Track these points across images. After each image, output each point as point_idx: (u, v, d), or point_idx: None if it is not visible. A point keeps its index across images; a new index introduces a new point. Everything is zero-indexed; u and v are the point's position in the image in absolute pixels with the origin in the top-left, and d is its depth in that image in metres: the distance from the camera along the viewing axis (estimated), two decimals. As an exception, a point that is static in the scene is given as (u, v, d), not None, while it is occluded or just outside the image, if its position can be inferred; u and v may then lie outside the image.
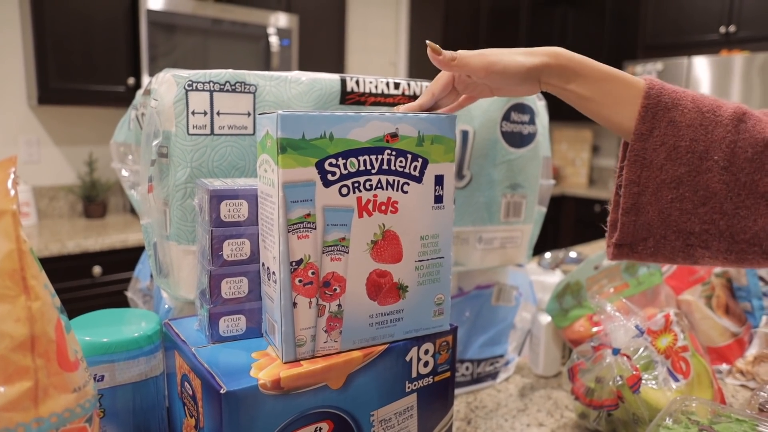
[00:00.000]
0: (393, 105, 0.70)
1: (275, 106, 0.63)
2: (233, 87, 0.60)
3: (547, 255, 1.20)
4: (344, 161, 0.47)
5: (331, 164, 0.47)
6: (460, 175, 0.76)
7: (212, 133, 0.60)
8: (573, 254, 1.21)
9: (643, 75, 0.52)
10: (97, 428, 0.42)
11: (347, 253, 0.48)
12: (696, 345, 0.78)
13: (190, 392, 0.50)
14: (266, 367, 0.47)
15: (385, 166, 0.49)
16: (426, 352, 0.55)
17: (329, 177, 0.47)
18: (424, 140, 0.50)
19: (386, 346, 0.52)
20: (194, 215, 0.60)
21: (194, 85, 0.58)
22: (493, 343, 0.88)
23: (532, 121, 0.80)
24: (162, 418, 0.60)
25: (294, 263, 0.47)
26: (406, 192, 0.50)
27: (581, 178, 4.24)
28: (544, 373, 0.91)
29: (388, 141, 0.49)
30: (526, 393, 0.87)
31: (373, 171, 0.48)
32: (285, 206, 0.45)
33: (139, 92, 0.70)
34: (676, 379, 0.72)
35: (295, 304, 0.47)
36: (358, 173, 0.48)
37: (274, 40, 2.54)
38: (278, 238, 0.46)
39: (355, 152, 0.47)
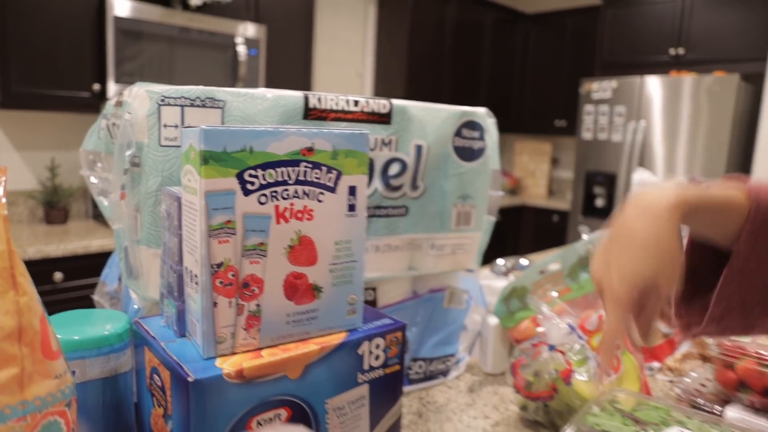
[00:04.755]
0: (353, 121, 0.76)
1: (242, 120, 0.68)
2: (203, 102, 0.65)
3: (500, 261, 1.27)
4: (263, 172, 0.52)
5: (250, 175, 0.51)
6: (414, 186, 0.82)
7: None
8: (524, 261, 1.29)
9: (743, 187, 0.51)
10: (75, 413, 0.46)
11: (265, 256, 0.53)
12: (626, 343, 0.86)
13: (159, 384, 0.55)
14: (230, 359, 0.52)
15: (301, 177, 0.54)
16: (377, 346, 0.61)
17: (249, 186, 0.51)
18: (338, 154, 0.56)
19: (341, 341, 0.58)
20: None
21: (166, 100, 0.63)
22: (445, 343, 0.94)
23: (481, 137, 0.87)
24: (130, 411, 0.64)
25: (215, 266, 0.51)
26: (321, 201, 0.55)
27: (541, 189, 4.38)
28: (493, 371, 0.98)
29: (304, 154, 0.53)
30: (475, 389, 0.93)
31: (290, 181, 0.53)
32: (206, 213, 0.50)
33: (110, 103, 0.74)
34: (608, 374, 0.79)
35: (215, 304, 0.52)
36: (276, 183, 0.53)
37: (241, 49, 2.58)
38: (200, 242, 0.50)
39: (274, 164, 0.52)
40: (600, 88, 3.36)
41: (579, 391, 0.74)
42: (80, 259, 2.09)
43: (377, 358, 0.61)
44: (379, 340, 0.61)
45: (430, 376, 0.93)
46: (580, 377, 0.75)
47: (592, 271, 0.51)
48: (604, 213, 3.34)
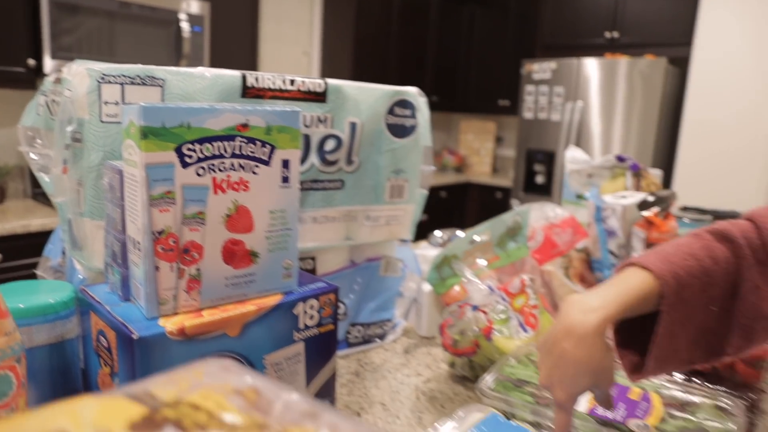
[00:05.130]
0: (290, 99, 0.80)
1: (182, 98, 0.71)
2: (143, 80, 0.68)
3: (437, 233, 1.34)
4: (200, 146, 0.56)
5: (188, 149, 0.55)
6: (349, 161, 0.87)
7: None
8: (460, 234, 1.37)
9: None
10: (24, 369, 0.50)
11: (204, 224, 0.57)
12: (545, 304, 0.95)
13: (106, 345, 0.58)
14: (173, 318, 0.57)
15: (237, 151, 0.58)
16: (311, 307, 0.66)
17: (187, 160, 0.55)
18: (271, 130, 0.60)
19: (277, 302, 0.63)
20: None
21: (106, 78, 0.66)
22: (382, 308, 1.01)
23: (413, 115, 0.93)
24: (77, 376, 0.67)
25: (156, 233, 0.55)
26: (256, 173, 0.60)
27: (485, 167, 4.51)
28: (427, 334, 1.05)
29: (239, 130, 0.58)
30: (410, 351, 1.01)
31: (227, 155, 0.58)
32: (147, 184, 0.54)
33: (49, 80, 0.75)
34: (526, 331, 0.87)
35: (157, 269, 0.56)
36: (213, 157, 0.57)
37: (185, 26, 2.54)
38: (141, 211, 0.54)
39: (210, 139, 0.56)
40: (540, 69, 3.48)
41: (499, 346, 0.82)
42: (20, 239, 2.05)
43: (312, 318, 0.67)
44: (313, 302, 0.66)
45: (367, 340, 1.00)
46: (500, 334, 0.83)
47: (539, 380, 0.60)
48: (544, 189, 3.49)
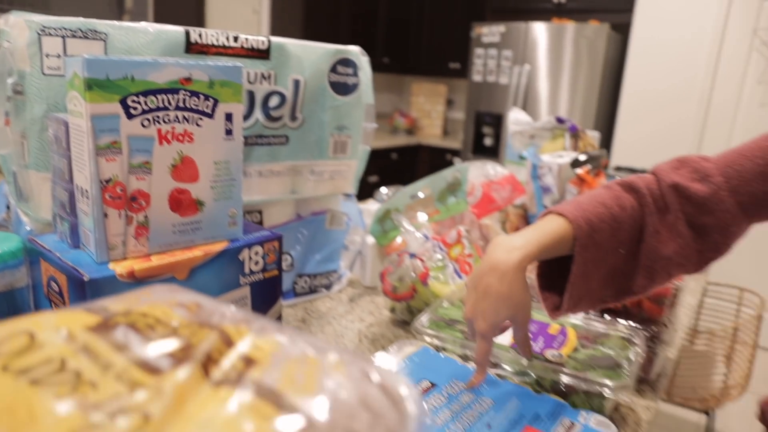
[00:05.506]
0: (233, 56, 0.82)
1: (125, 53, 0.72)
2: (85, 34, 0.69)
3: (383, 190, 1.39)
4: (144, 99, 0.58)
5: (133, 101, 0.57)
6: (293, 117, 0.90)
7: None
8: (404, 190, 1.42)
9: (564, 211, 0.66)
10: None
11: (150, 173, 0.60)
12: (480, 253, 1.02)
13: (57, 290, 0.61)
14: (122, 263, 0.60)
15: (181, 104, 0.61)
16: (256, 253, 0.70)
17: (132, 111, 0.58)
18: (214, 84, 0.63)
19: (222, 249, 0.66)
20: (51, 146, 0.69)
21: (47, 30, 0.66)
22: (328, 260, 1.06)
23: (355, 74, 0.96)
24: (29, 323, 0.70)
25: (104, 181, 0.58)
26: (200, 126, 0.63)
27: (436, 129, 4.57)
28: (371, 284, 1.11)
29: (183, 83, 0.60)
30: (354, 299, 1.06)
31: (171, 108, 0.60)
32: (93, 135, 0.56)
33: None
34: (461, 277, 0.94)
35: (106, 215, 0.59)
36: (158, 109, 0.59)
37: (125, -21, 2.45)
38: (89, 161, 0.57)
39: (154, 92, 0.59)
40: (489, 32, 3.52)
41: (435, 290, 0.89)
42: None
43: (257, 263, 0.71)
44: (258, 248, 0.70)
45: (314, 290, 1.05)
46: (436, 280, 0.90)
47: (464, 313, 0.66)
48: (492, 151, 3.58)
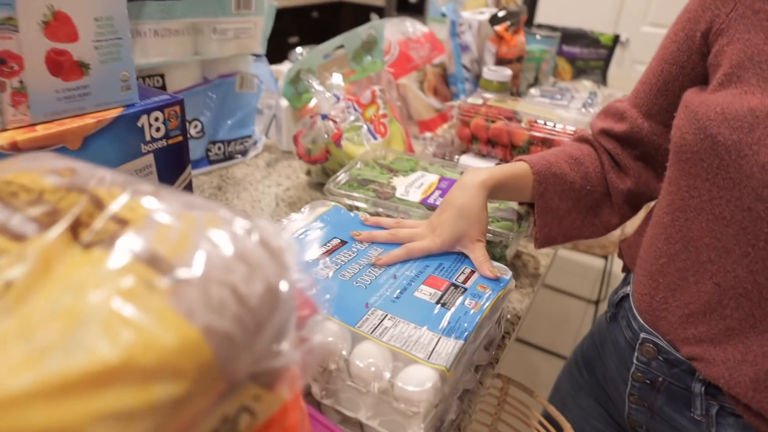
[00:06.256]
0: None
1: None
2: None
3: (299, 50, 1.33)
4: None
5: None
6: (187, -33, 0.82)
7: None
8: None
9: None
10: None
11: (17, 31, 0.54)
12: (395, 113, 1.02)
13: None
14: (3, 134, 0.56)
15: None
16: (156, 119, 0.67)
17: None
18: None
19: (116, 115, 0.63)
20: None
21: None
22: (241, 125, 1.03)
23: None
24: None
25: None
26: None
27: (361, -15, 4.30)
28: (287, 149, 1.10)
29: None
30: (271, 164, 1.06)
31: None
32: None
33: None
34: (375, 138, 0.94)
35: None
36: None
37: None
38: None
39: None
40: None
41: (348, 152, 0.89)
42: None
43: (158, 130, 0.68)
44: (158, 114, 0.67)
45: (229, 157, 1.03)
46: (350, 141, 0.90)
47: (430, 220, 0.67)
48: (417, 9, 3.44)
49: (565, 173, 0.68)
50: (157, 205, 0.28)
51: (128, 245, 0.24)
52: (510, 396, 0.86)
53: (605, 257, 1.84)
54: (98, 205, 0.27)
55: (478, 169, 0.67)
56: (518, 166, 0.68)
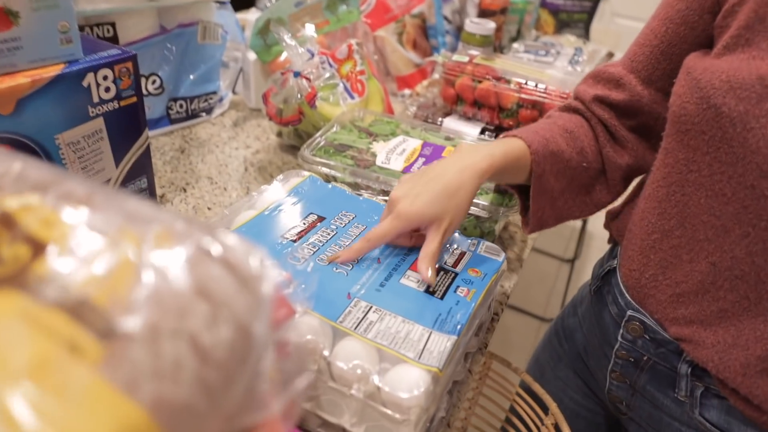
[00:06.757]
0: None
1: None
2: None
3: (266, -3, 1.22)
4: None
5: None
6: None
7: None
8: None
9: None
10: None
11: None
12: (373, 70, 0.94)
13: None
14: None
15: None
16: (105, 78, 0.58)
17: None
18: None
19: (55, 73, 0.54)
20: None
21: None
22: (205, 80, 0.94)
23: None
24: None
25: None
26: None
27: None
28: (256, 106, 1.01)
29: None
30: (239, 124, 0.97)
31: None
32: None
33: None
34: (352, 97, 0.87)
35: None
36: None
37: None
38: None
39: None
40: None
41: (323, 113, 0.81)
42: None
43: (108, 90, 0.59)
44: (107, 71, 0.58)
45: (192, 115, 0.94)
46: (325, 101, 0.82)
47: (395, 190, 0.56)
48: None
49: (563, 150, 0.61)
50: (88, 219, 0.21)
51: (41, 285, 0.18)
52: (492, 371, 0.83)
53: (584, 219, 1.82)
54: (4, 220, 0.20)
55: (477, 147, 0.59)
56: (516, 146, 0.59)
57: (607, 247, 0.71)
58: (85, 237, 0.20)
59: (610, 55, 1.37)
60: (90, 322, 0.17)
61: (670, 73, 0.58)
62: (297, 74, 0.78)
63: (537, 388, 0.74)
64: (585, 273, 2.15)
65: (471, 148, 0.59)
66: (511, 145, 0.59)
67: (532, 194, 0.61)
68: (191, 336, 0.19)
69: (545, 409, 0.72)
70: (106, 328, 0.18)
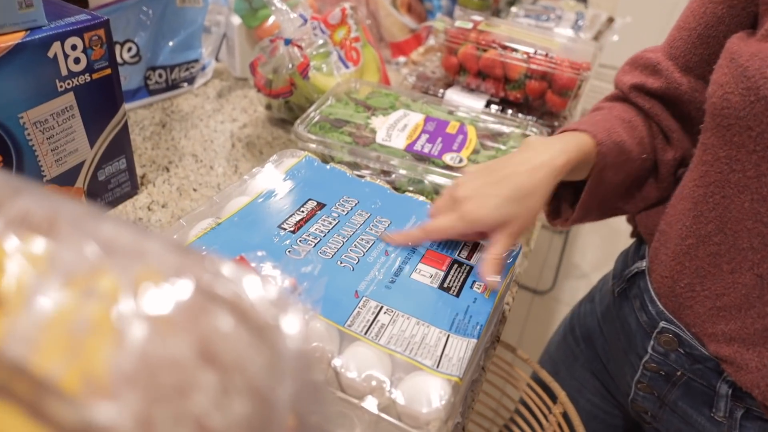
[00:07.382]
0: None
1: None
2: None
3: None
4: None
5: None
6: None
7: None
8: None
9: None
10: None
11: None
12: (368, 36, 0.87)
13: None
14: None
15: None
16: (74, 47, 0.52)
17: None
18: None
19: (14, 42, 0.47)
20: None
21: None
22: (185, 47, 0.86)
23: None
24: None
25: None
26: None
27: None
28: (242, 75, 0.94)
29: None
30: (224, 94, 0.91)
31: None
32: None
33: None
34: (347, 66, 0.81)
35: None
36: None
37: None
38: None
39: None
40: None
41: (317, 84, 0.75)
42: None
43: (78, 61, 0.53)
44: (76, 40, 0.52)
45: (173, 86, 0.87)
46: (318, 71, 0.76)
47: (460, 186, 0.50)
48: None
49: (624, 141, 0.55)
50: (48, 255, 0.16)
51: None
52: (496, 356, 0.79)
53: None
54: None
55: (549, 142, 0.53)
56: (582, 140, 0.54)
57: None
58: (43, 285, 0.15)
59: (611, 20, 1.31)
60: (55, 418, 0.12)
61: (708, 59, 0.53)
62: (288, 42, 0.72)
63: (545, 375, 0.71)
64: (577, 244, 2.13)
65: (543, 143, 0.53)
66: (578, 139, 0.53)
67: (589, 187, 0.56)
68: (197, 421, 0.14)
69: (554, 398, 0.69)
70: (80, 423, 0.13)
